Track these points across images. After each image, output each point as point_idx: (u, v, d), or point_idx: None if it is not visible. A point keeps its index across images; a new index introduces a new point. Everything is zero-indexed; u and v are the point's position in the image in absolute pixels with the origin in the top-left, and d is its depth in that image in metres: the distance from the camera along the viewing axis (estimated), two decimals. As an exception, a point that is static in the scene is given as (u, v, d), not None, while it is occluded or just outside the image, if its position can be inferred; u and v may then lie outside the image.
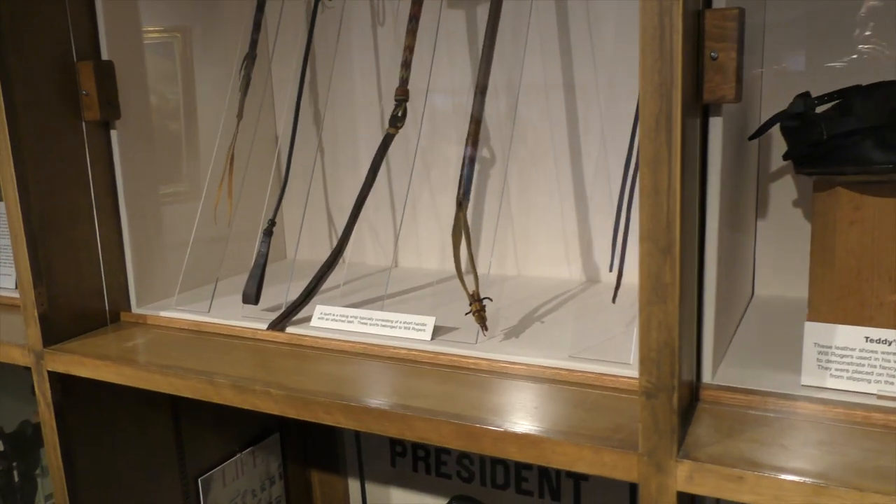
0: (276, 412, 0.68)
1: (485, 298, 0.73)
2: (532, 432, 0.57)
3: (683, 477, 0.51)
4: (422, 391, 0.66)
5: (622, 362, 0.65)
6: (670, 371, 0.50)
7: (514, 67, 0.91)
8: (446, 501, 1.12)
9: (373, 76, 1.04)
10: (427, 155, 1.01)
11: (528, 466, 1.05)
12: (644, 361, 0.51)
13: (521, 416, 0.59)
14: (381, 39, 1.02)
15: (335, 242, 1.12)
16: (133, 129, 0.89)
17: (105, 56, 0.86)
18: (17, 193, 0.79)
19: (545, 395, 0.64)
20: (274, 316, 0.83)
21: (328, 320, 0.80)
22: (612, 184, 0.91)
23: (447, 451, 1.11)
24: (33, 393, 1.26)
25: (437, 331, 0.75)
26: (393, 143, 1.05)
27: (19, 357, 0.85)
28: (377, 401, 0.63)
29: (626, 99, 0.88)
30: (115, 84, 0.86)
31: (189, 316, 0.87)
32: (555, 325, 0.78)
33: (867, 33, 0.76)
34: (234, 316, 0.86)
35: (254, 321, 0.83)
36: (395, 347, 0.74)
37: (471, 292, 0.73)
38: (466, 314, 0.73)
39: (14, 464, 1.28)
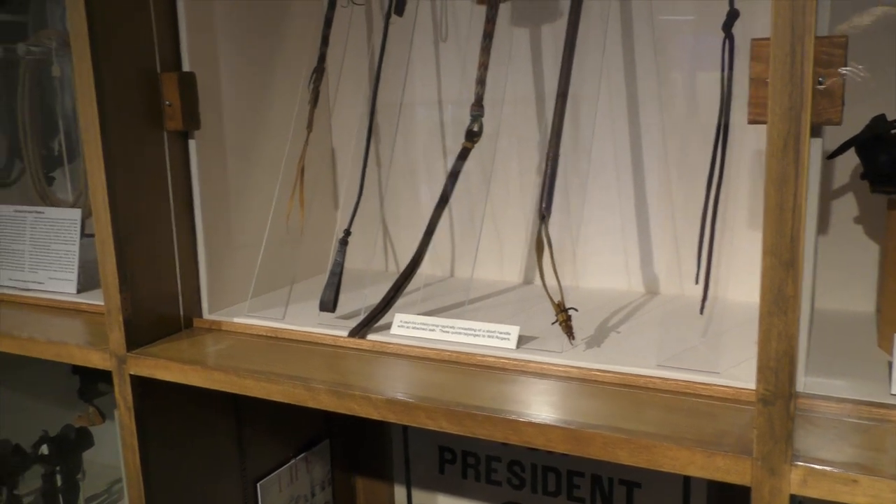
0: (376, 417, 0.70)
1: (570, 308, 0.76)
2: (641, 437, 0.59)
3: (797, 481, 0.54)
4: (517, 397, 0.68)
5: (711, 371, 0.68)
6: (788, 379, 0.53)
7: (577, 80, 0.94)
8: (495, 508, 1.14)
9: (432, 90, 1.06)
10: (487, 166, 1.04)
11: (580, 473, 1.07)
12: (762, 370, 0.54)
13: (626, 422, 0.62)
14: (442, 54, 1.05)
15: (390, 253, 1.15)
16: (209, 139, 0.91)
17: (186, 68, 0.88)
18: (106, 199, 0.80)
19: (641, 402, 0.66)
20: (346, 323, 0.85)
21: (409, 328, 0.82)
22: (673, 196, 0.94)
23: (497, 459, 1.13)
24: (81, 397, 1.28)
25: (520, 339, 0.77)
26: (447, 154, 1.08)
27: (98, 361, 0.86)
28: (479, 406, 0.66)
29: (688, 113, 0.91)
30: (196, 95, 0.87)
31: (264, 322, 0.89)
32: (631, 334, 0.81)
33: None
34: (308, 322, 0.88)
35: (331, 328, 0.85)
36: (481, 355, 0.76)
37: (556, 302, 0.75)
38: (553, 323, 0.75)
39: (57, 467, 1.29)
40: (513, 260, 1.05)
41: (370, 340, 0.82)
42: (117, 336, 0.83)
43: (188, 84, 0.86)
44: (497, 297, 0.99)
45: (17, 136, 1.25)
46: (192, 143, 0.89)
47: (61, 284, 1.07)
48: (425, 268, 1.11)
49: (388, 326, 0.84)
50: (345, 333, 0.84)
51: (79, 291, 1.06)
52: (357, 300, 0.91)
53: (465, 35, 1.02)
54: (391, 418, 0.69)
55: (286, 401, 0.74)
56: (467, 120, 1.05)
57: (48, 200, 1.18)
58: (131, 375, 0.84)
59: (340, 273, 0.89)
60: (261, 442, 1.06)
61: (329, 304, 0.88)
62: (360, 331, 0.83)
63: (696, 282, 0.74)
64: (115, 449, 1.43)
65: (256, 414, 1.03)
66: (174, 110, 0.86)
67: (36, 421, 1.44)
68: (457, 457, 1.16)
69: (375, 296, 0.88)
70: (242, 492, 1.03)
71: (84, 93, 0.79)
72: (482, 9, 0.88)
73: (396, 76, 1.05)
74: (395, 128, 1.08)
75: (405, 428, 1.20)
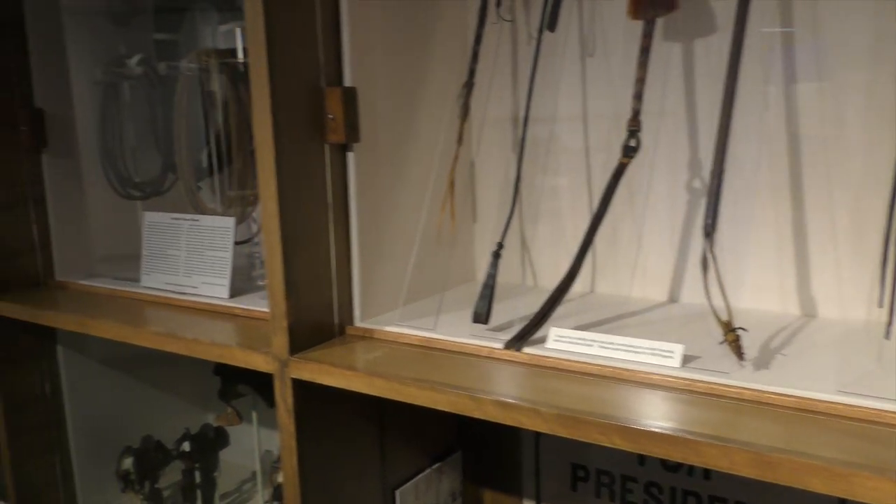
0: (544, 430, 0.70)
1: (738, 328, 0.74)
2: (837, 464, 0.57)
3: None
4: (689, 417, 0.67)
5: (900, 399, 0.65)
6: None
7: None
8: (629, 528, 1.12)
9: (576, 105, 1.06)
10: (632, 181, 1.03)
11: (722, 499, 1.04)
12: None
13: (811, 448, 0.60)
14: (589, 69, 1.05)
15: (527, 267, 1.15)
16: (366, 152, 0.93)
17: (347, 83, 0.91)
18: (277, 209, 0.84)
19: (823, 428, 0.64)
20: (498, 336, 0.86)
21: (565, 342, 0.82)
22: (834, 216, 0.90)
23: (634, 479, 1.11)
24: (221, 398, 1.33)
25: (683, 358, 0.76)
26: (590, 169, 1.08)
27: (261, 364, 0.89)
28: (656, 424, 0.65)
29: (858, 130, 0.88)
30: (357, 109, 0.90)
31: (417, 332, 0.91)
32: (799, 357, 0.78)
33: None
34: (459, 333, 0.89)
35: (485, 339, 0.86)
36: (644, 373, 0.75)
37: (724, 321, 0.74)
38: (721, 343, 0.74)
39: (197, 464, 1.34)
40: (657, 277, 1.03)
41: (526, 353, 0.83)
42: (281, 340, 0.87)
43: (350, 98, 0.89)
44: (643, 314, 0.97)
45: (169, 149, 1.32)
46: (350, 156, 0.92)
47: (214, 289, 1.12)
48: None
49: (542, 340, 0.84)
50: (500, 346, 0.84)
51: (230, 296, 1.11)
52: (504, 312, 0.92)
53: (614, 50, 1.02)
54: (560, 432, 0.69)
55: (451, 410, 0.75)
56: (609, 135, 1.05)
57: (199, 209, 1.24)
58: (292, 379, 0.87)
59: (493, 285, 0.90)
60: (400, 450, 1.07)
61: (483, 315, 0.89)
62: (515, 343, 0.83)
63: (880, 305, 0.70)
64: (248, 449, 1.49)
65: (397, 422, 1.05)
66: (336, 123, 0.89)
67: (176, 419, 1.51)
68: (590, 474, 1.15)
69: (520, 308, 0.88)
70: (382, 498, 1.05)
71: (260, 108, 0.82)
72: (632, 24, 0.87)
73: (541, 91, 1.05)
74: (544, 144, 1.09)
75: (537, 443, 1.19)
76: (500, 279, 1.16)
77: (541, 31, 0.95)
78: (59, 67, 1.30)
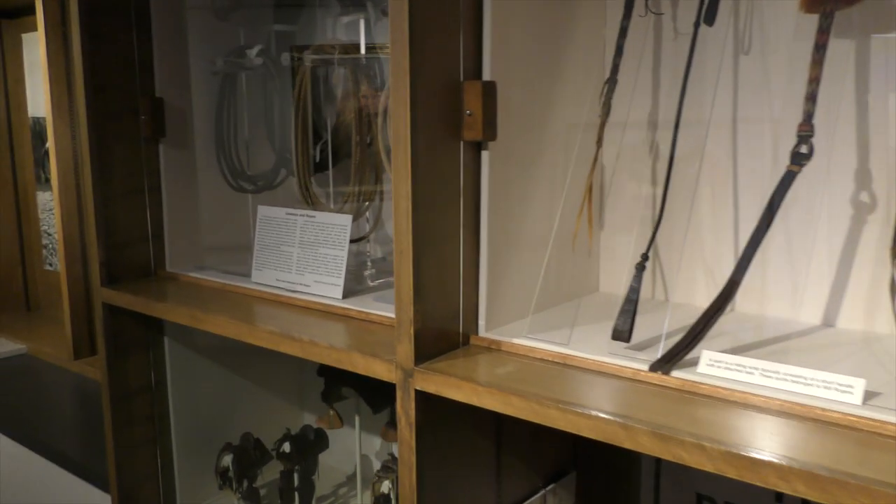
0: (708, 468, 0.62)
1: (935, 364, 0.65)
2: None
3: None
4: (889, 466, 0.58)
5: None
6: None
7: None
8: (760, 571, 1.02)
9: (726, 106, 0.98)
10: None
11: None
12: None
13: None
14: (742, 67, 0.96)
15: (658, 280, 1.07)
16: (501, 151, 0.87)
17: (486, 77, 0.85)
18: (410, 209, 0.79)
19: None
20: (639, 355, 0.79)
21: (720, 368, 0.74)
22: None
23: (767, 516, 1.02)
24: (324, 400, 1.29)
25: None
26: (736, 178, 0.99)
27: (384, 372, 0.84)
28: (848, 472, 0.56)
29: None
30: (496, 105, 0.84)
31: (550, 346, 0.84)
32: None
33: None
34: (596, 350, 0.82)
35: (628, 359, 0.79)
36: (821, 409, 0.67)
37: (920, 356, 0.64)
38: (915, 380, 0.65)
39: (297, 466, 1.31)
40: (812, 298, 0.94)
41: (676, 377, 0.75)
42: (406, 349, 0.81)
43: (490, 93, 0.83)
44: (800, 339, 0.88)
45: (283, 143, 1.30)
46: (484, 155, 0.86)
47: (327, 289, 1.08)
48: (701, 298, 1.03)
49: (692, 363, 0.76)
50: (644, 367, 0.77)
51: (344, 297, 1.07)
52: (640, 329, 0.84)
53: (774, 47, 0.93)
54: (729, 472, 0.61)
55: (597, 437, 0.68)
56: (761, 141, 0.96)
57: (313, 205, 1.21)
58: (416, 390, 0.81)
59: (636, 300, 0.82)
60: (515, 468, 1.01)
61: (625, 333, 0.81)
62: (663, 366, 0.76)
63: None
64: (345, 453, 1.45)
65: (514, 439, 0.99)
66: (474, 120, 0.83)
67: (274, 417, 1.49)
68: (717, 507, 1.06)
69: (656, 324, 0.81)
70: (496, 519, 0.99)
71: (398, 101, 0.77)
72: (798, 19, 0.79)
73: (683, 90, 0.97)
74: (685, 148, 1.00)
75: (657, 469, 1.11)
76: (619, 291, 1.09)
77: (697, 26, 0.87)
78: (180, 57, 1.29)
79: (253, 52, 1.25)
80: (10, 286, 2.32)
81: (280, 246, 1.15)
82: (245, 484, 1.36)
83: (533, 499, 1.04)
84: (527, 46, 0.90)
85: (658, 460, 1.11)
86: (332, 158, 1.23)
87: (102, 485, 1.59)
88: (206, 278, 1.24)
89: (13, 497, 1.78)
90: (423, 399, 0.82)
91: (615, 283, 1.10)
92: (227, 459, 1.35)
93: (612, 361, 0.79)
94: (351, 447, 1.48)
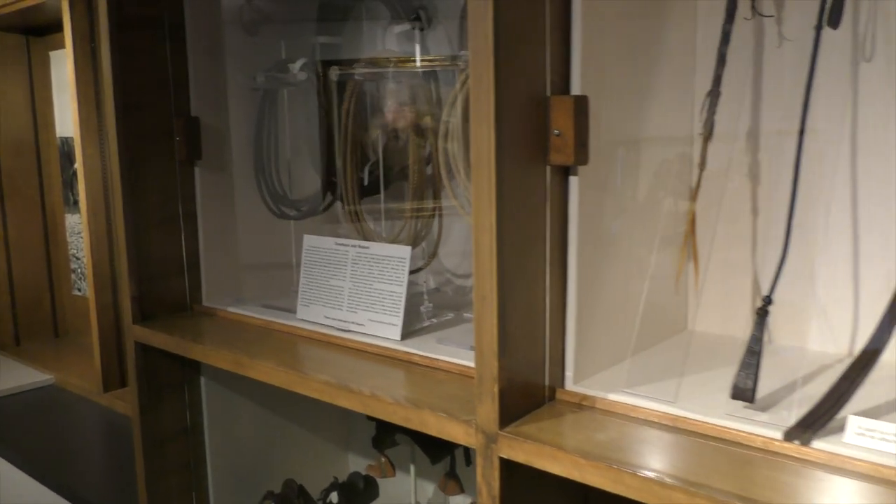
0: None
1: None
2: None
3: None
4: None
5: None
6: None
7: None
8: None
9: (837, 120, 0.85)
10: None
11: None
12: None
13: None
14: (863, 76, 0.83)
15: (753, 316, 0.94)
16: (591, 176, 0.76)
17: (575, 91, 0.73)
18: (494, 244, 0.67)
19: None
20: (760, 416, 0.66)
21: (874, 439, 0.61)
22: None
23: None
24: (375, 446, 1.18)
25: None
26: (856, 199, 0.86)
27: (461, 436, 0.73)
28: None
29: None
30: (588, 123, 0.73)
31: (654, 405, 0.72)
32: None
33: None
34: (709, 409, 0.69)
35: (752, 423, 0.66)
36: None
37: None
38: None
39: (345, 519, 1.20)
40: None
41: (818, 450, 0.62)
42: (488, 410, 0.70)
43: (582, 110, 0.72)
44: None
45: (328, 164, 1.19)
46: (573, 181, 0.75)
47: (384, 328, 0.97)
48: (814, 341, 0.90)
49: (831, 430, 0.63)
50: (777, 434, 0.64)
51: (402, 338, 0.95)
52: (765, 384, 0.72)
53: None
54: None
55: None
56: (888, 158, 0.83)
57: (363, 233, 1.10)
58: (501, 458, 0.69)
59: (760, 353, 0.70)
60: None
61: (748, 392, 0.69)
62: (802, 434, 0.63)
63: None
64: (391, 500, 1.33)
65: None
66: (564, 141, 0.71)
67: (318, 462, 1.38)
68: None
69: (773, 376, 0.69)
70: None
71: (480, 119, 0.66)
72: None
73: (785, 102, 0.85)
74: (789, 166, 0.88)
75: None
76: (721, 331, 0.96)
77: (819, 28, 0.75)
78: (216, 74, 1.19)
79: (296, 65, 1.14)
80: (38, 312, 2.24)
81: (329, 280, 1.04)
82: (288, 536, 1.25)
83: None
84: (618, 56, 0.79)
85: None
86: (383, 181, 1.12)
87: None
88: (248, 315, 1.13)
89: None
90: (508, 467, 0.70)
91: (707, 320, 0.97)
92: (269, 509, 1.24)
93: (736, 427, 0.67)
94: (400, 496, 1.37)
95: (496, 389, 0.69)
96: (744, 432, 0.66)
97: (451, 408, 0.75)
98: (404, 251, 0.97)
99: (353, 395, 0.82)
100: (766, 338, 0.88)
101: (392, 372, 0.88)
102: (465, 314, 1.07)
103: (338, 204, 1.18)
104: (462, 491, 1.13)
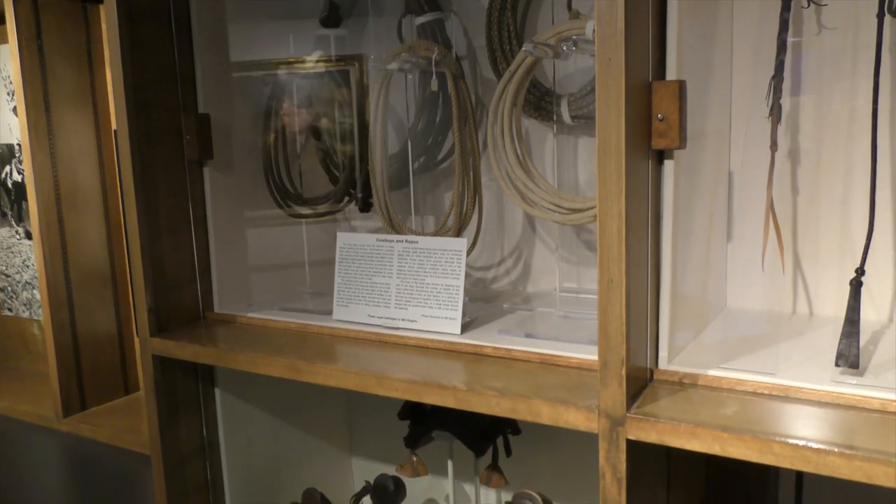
0: None
1: None
2: None
3: None
4: None
5: None
6: None
7: None
8: None
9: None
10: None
11: None
12: None
13: None
14: (897, 62, 0.89)
15: (801, 293, 0.99)
16: (684, 161, 0.78)
17: (671, 76, 0.75)
18: (623, 229, 0.67)
19: None
20: (864, 381, 0.71)
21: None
22: None
23: (936, 538, 0.95)
24: (407, 445, 1.16)
25: None
26: None
27: (581, 422, 0.73)
28: None
29: None
30: (686, 108, 0.74)
31: (759, 378, 0.74)
32: None
33: None
34: (811, 378, 0.73)
35: (868, 388, 0.70)
36: None
37: None
38: None
39: (378, 523, 1.17)
40: None
41: (936, 407, 0.67)
42: (615, 393, 0.70)
43: (683, 94, 0.73)
44: None
45: (347, 161, 1.16)
46: (668, 165, 0.76)
47: (441, 323, 0.95)
48: (838, 308, 0.96)
49: (935, 389, 0.68)
50: (892, 395, 0.68)
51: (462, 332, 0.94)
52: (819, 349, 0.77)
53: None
54: None
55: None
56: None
57: (394, 227, 1.07)
58: (629, 440, 0.70)
59: (859, 321, 0.74)
60: (674, 511, 0.91)
61: (853, 358, 0.72)
62: (921, 394, 0.68)
63: None
64: (415, 501, 1.31)
65: (675, 484, 0.89)
66: (667, 126, 0.73)
67: (326, 469, 1.34)
68: (874, 533, 0.99)
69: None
70: (664, 571, 0.88)
71: (609, 105, 0.67)
72: None
73: (825, 87, 0.90)
74: (831, 144, 0.93)
75: (798, 502, 1.03)
76: (760, 306, 1.01)
77: (881, 16, 0.80)
78: (223, 68, 1.13)
79: (313, 57, 1.10)
80: (-41, 336, 2.04)
81: (371, 277, 1.01)
82: (315, 548, 1.20)
83: (691, 542, 0.94)
84: (699, 39, 0.81)
85: (799, 492, 1.03)
86: (412, 174, 1.10)
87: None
88: (272, 319, 1.08)
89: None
90: (633, 448, 0.71)
91: (750, 297, 1.01)
92: (293, 521, 1.19)
93: (850, 392, 0.70)
94: (421, 495, 1.35)
95: (623, 372, 0.69)
96: (859, 396, 0.70)
97: (555, 395, 0.75)
98: (460, 243, 0.95)
99: (446, 390, 0.81)
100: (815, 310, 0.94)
101: (470, 366, 0.87)
102: (504, 305, 1.07)
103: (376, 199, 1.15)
104: (507, 483, 1.13)
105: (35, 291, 1.98)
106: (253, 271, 1.21)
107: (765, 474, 1.04)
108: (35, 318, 2.00)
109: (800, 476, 1.02)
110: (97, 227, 1.71)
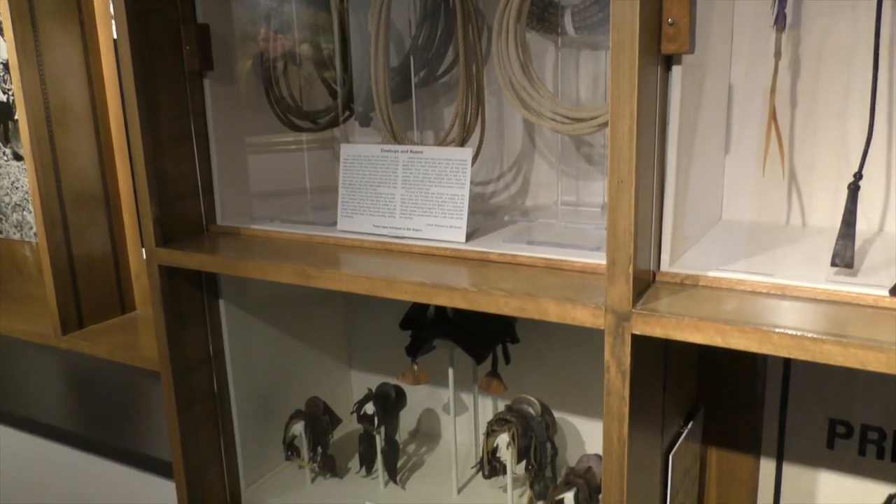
0: None
1: None
2: None
3: None
4: None
5: None
6: None
7: None
8: (901, 488, 1.02)
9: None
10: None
11: None
12: None
13: None
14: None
15: (795, 204, 1.02)
16: (692, 67, 0.79)
17: (682, -21, 0.75)
18: (634, 129, 0.69)
19: None
20: (857, 280, 0.74)
21: (972, 286, 0.70)
22: None
23: (912, 434, 1.01)
24: (409, 353, 1.19)
25: None
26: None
27: (587, 319, 0.76)
28: None
29: None
30: (696, 14, 0.75)
31: (758, 278, 0.77)
32: None
33: None
34: (808, 278, 0.76)
35: (859, 286, 0.73)
36: None
37: None
38: None
39: (382, 427, 1.21)
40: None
41: (926, 302, 0.70)
42: (622, 290, 0.73)
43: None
44: None
45: (347, 72, 1.16)
46: (676, 70, 0.77)
47: (446, 232, 0.97)
48: (832, 219, 0.99)
49: (929, 285, 0.72)
50: (883, 293, 0.72)
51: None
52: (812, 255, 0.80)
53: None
54: None
55: (887, 370, 0.62)
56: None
57: (400, 141, 1.08)
58: (633, 335, 0.73)
59: (855, 224, 0.77)
60: (669, 409, 0.96)
61: (848, 258, 0.76)
62: (907, 289, 0.71)
63: None
64: (414, 410, 1.36)
65: (670, 381, 0.93)
66: (678, 30, 0.74)
67: (327, 380, 1.38)
68: (854, 431, 1.05)
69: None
70: (659, 463, 0.93)
71: (624, 7, 0.67)
72: None
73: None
74: (830, 53, 0.95)
75: (784, 397, 1.08)
76: (755, 217, 1.04)
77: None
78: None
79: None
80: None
81: (376, 188, 1.03)
82: (320, 451, 1.25)
83: (680, 440, 0.99)
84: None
85: (785, 388, 1.08)
86: (413, 86, 1.10)
87: (142, 467, 1.44)
88: (277, 230, 1.10)
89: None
90: (637, 343, 0.74)
91: (738, 210, 1.04)
92: (298, 428, 1.23)
93: (844, 289, 0.74)
94: (426, 404, 1.39)
95: (631, 270, 0.72)
96: (853, 293, 0.73)
97: (562, 295, 0.78)
98: (465, 153, 0.97)
99: (456, 291, 0.83)
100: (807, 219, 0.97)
101: (477, 270, 0.89)
102: (505, 217, 1.09)
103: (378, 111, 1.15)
104: (505, 388, 1.17)
105: (25, 213, 1.98)
106: (255, 185, 1.21)
107: (752, 377, 1.08)
108: (26, 239, 2.00)
109: (786, 380, 1.07)
110: (88, 146, 1.70)
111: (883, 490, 1.04)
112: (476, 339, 1.13)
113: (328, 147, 1.32)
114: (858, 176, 0.78)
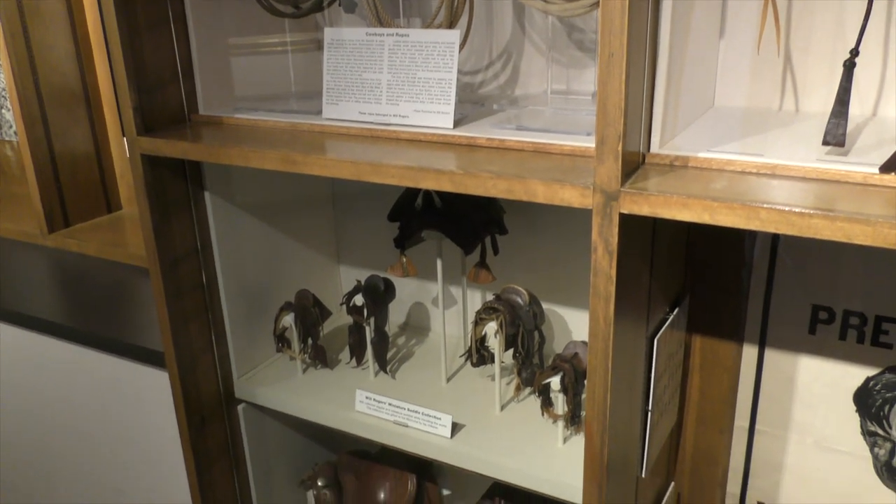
0: None
1: None
2: None
3: None
4: None
5: None
6: None
7: None
8: (879, 371, 1.05)
9: None
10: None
11: None
12: None
13: None
14: None
15: (788, 89, 1.00)
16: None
17: None
18: (627, 4, 0.67)
19: None
20: (849, 159, 0.73)
21: (961, 162, 0.69)
22: None
23: (892, 320, 1.03)
24: (397, 246, 1.19)
25: None
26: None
27: (575, 199, 0.75)
28: None
29: None
30: None
31: (748, 158, 0.77)
32: None
33: None
34: (799, 158, 0.76)
35: (849, 164, 0.73)
36: None
37: None
38: None
39: (371, 318, 1.22)
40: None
41: (909, 177, 0.70)
42: (611, 169, 0.72)
43: None
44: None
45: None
46: (671, -56, 0.74)
47: (433, 118, 0.95)
48: (825, 104, 0.97)
49: (914, 161, 0.71)
50: (873, 170, 0.71)
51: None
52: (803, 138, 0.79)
53: None
54: None
55: (874, 243, 0.62)
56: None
57: (381, 22, 1.04)
58: (621, 214, 0.73)
59: (849, 101, 0.75)
60: (655, 292, 0.96)
61: (840, 136, 0.75)
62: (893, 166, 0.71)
63: None
64: (403, 304, 1.37)
65: (657, 266, 0.94)
66: None
67: (316, 273, 1.38)
68: (836, 316, 1.06)
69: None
70: (644, 347, 0.95)
71: None
72: None
73: None
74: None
75: (769, 285, 1.09)
76: (747, 103, 1.02)
77: None
78: None
79: None
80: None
81: (361, 74, 1.00)
82: (310, 343, 1.27)
83: (665, 325, 1.00)
84: None
85: (770, 275, 1.09)
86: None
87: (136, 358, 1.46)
88: (261, 119, 1.08)
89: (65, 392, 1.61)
90: (624, 222, 0.74)
91: (731, 97, 1.02)
92: (288, 319, 1.24)
93: (834, 167, 0.73)
94: (414, 296, 1.41)
95: (620, 148, 0.71)
96: (843, 171, 0.72)
97: (551, 176, 0.77)
98: (452, 35, 0.94)
99: (443, 174, 0.82)
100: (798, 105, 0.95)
101: (464, 154, 0.88)
102: (493, 105, 1.07)
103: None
104: (494, 279, 1.18)
105: (3, 111, 1.93)
106: (238, 77, 1.18)
107: (738, 265, 1.09)
108: (6, 138, 1.96)
109: (771, 268, 1.08)
110: (64, 40, 1.65)
111: (861, 373, 1.06)
112: (464, 229, 1.13)
113: (312, 49, 1.27)
114: (855, 52, 0.76)
